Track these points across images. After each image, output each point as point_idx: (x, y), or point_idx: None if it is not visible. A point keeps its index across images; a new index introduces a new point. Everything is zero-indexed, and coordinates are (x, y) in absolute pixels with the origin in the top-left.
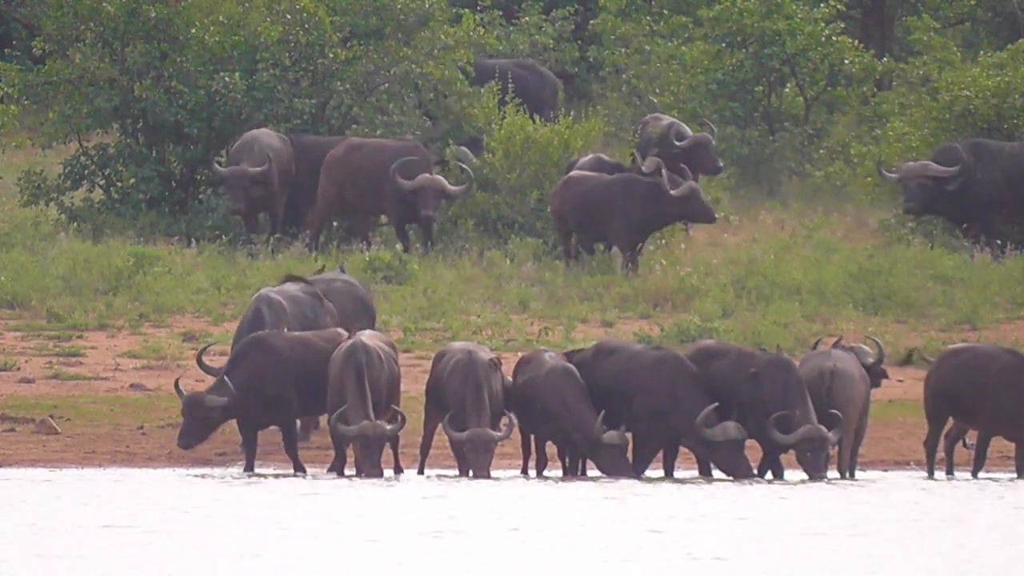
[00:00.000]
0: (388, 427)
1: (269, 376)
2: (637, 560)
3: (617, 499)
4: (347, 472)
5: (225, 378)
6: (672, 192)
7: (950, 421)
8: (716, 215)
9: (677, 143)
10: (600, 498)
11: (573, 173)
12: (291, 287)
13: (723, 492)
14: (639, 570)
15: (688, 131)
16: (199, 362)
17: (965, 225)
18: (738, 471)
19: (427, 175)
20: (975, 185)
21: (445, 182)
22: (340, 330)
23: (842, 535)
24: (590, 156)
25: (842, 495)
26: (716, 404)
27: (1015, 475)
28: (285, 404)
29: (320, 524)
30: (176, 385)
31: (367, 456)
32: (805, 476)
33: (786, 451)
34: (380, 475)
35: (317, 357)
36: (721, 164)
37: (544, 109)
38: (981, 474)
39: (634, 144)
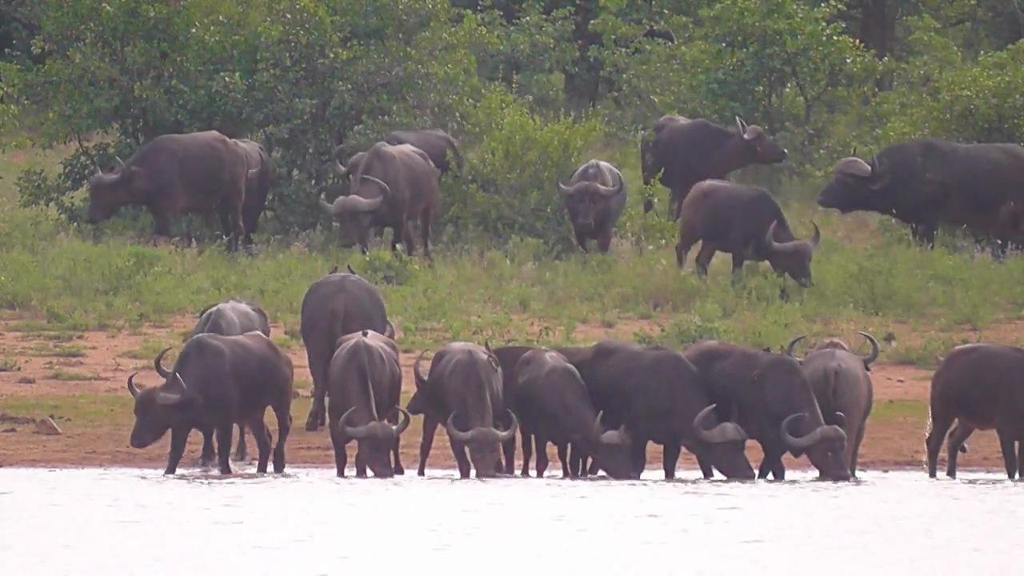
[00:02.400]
0: (393, 427)
1: (211, 377)
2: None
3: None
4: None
5: (177, 375)
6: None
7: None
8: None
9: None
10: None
11: (705, 184)
12: (240, 305)
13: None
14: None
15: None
16: (157, 367)
17: (913, 224)
18: (738, 472)
19: (342, 199)
20: (923, 185)
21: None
22: (259, 333)
23: (875, 536)
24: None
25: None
26: (714, 405)
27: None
28: (225, 406)
29: (318, 523)
30: (130, 383)
31: (377, 456)
32: (799, 477)
33: (799, 454)
34: (391, 474)
35: (255, 360)
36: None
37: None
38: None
39: (643, 141)
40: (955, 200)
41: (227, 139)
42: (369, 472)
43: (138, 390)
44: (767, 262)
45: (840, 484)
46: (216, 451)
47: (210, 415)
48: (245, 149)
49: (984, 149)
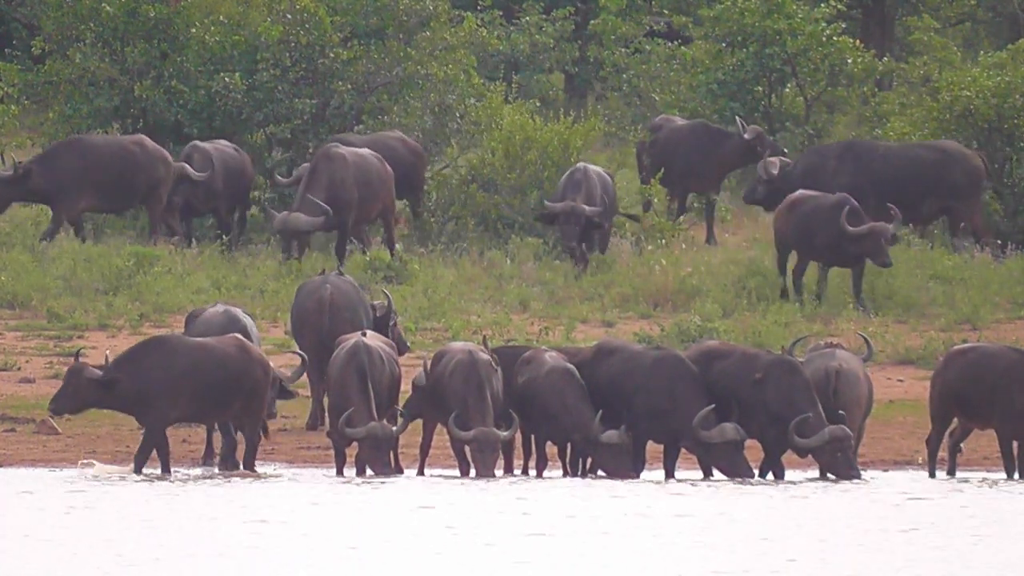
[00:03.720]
0: (393, 428)
1: (157, 376)
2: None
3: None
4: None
5: (107, 354)
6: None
7: (954, 421)
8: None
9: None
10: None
11: (797, 194)
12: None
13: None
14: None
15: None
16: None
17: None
18: (737, 472)
19: (283, 216)
20: (833, 187)
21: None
22: (235, 335)
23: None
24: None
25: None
26: (713, 406)
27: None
28: (165, 407)
29: (316, 523)
30: (77, 355)
31: (378, 456)
32: (799, 477)
33: (807, 455)
34: (392, 473)
35: (217, 363)
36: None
37: (413, 181)
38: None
39: (639, 142)
40: (872, 199)
41: (146, 143)
42: (369, 472)
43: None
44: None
45: (854, 483)
46: (220, 451)
47: (143, 410)
48: (163, 152)
49: (906, 148)
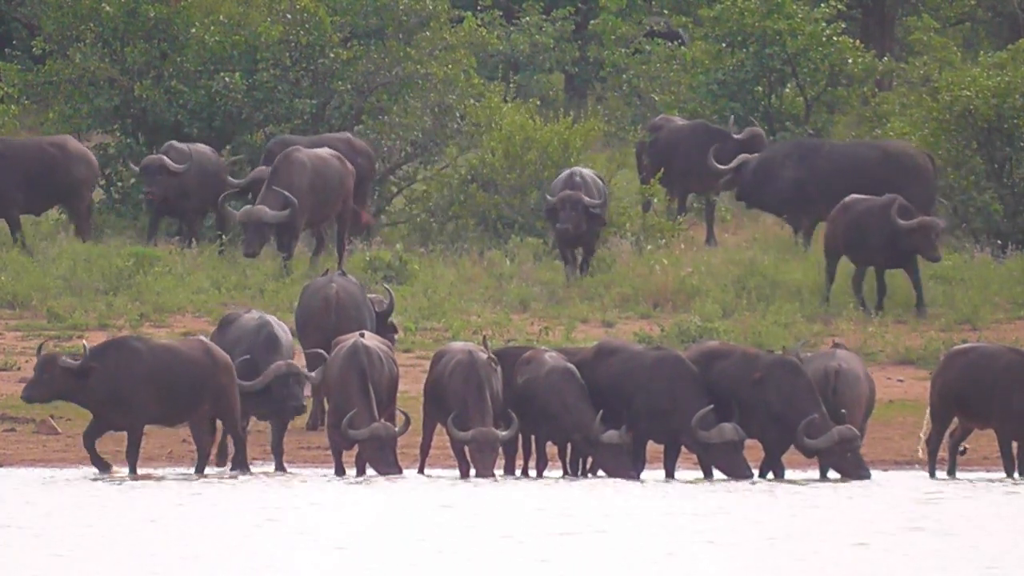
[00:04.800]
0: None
1: (122, 377)
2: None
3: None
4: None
5: (86, 343)
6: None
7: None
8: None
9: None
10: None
11: (849, 197)
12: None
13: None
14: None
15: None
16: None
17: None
18: (736, 472)
19: (248, 208)
20: (779, 182)
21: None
22: (203, 338)
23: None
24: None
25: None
26: (712, 406)
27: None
28: (134, 408)
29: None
30: (40, 348)
31: (382, 456)
32: (799, 476)
33: (814, 455)
34: (398, 472)
35: (180, 365)
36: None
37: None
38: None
39: (638, 142)
40: (815, 196)
41: (68, 144)
42: (371, 471)
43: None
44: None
45: (863, 483)
46: (232, 452)
47: (117, 415)
48: (86, 153)
49: (851, 146)
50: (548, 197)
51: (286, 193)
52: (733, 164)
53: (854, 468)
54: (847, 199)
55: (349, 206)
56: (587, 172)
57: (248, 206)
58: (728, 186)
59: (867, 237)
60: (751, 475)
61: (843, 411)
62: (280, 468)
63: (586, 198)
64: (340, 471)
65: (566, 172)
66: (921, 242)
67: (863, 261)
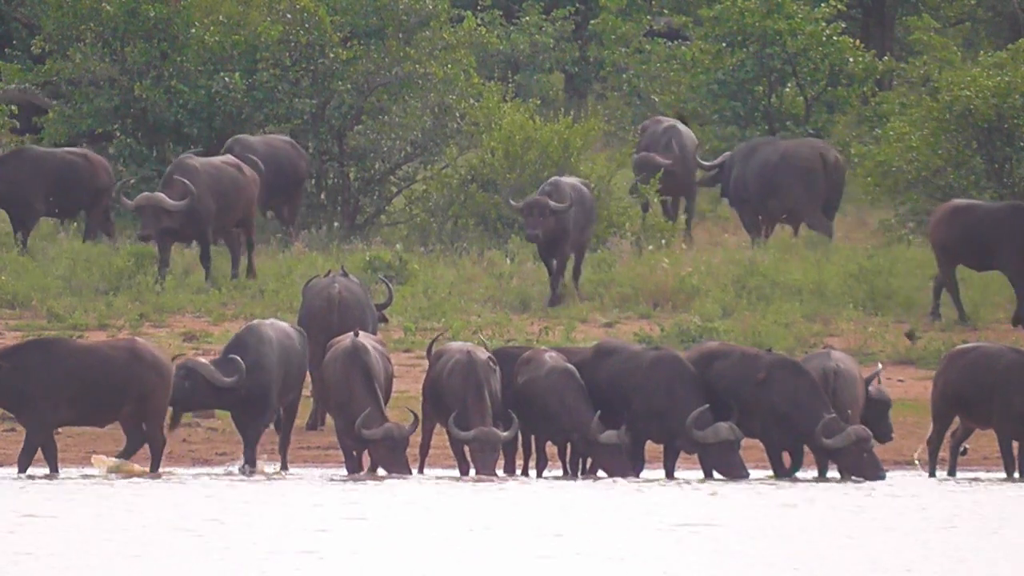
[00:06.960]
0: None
1: (36, 378)
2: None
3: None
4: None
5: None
6: None
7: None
8: None
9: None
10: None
11: (958, 202)
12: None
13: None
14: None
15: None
16: None
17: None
18: (731, 472)
19: (147, 194)
20: (729, 179)
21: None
22: (137, 338)
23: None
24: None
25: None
26: (707, 405)
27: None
28: (44, 408)
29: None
30: None
31: (395, 457)
32: (799, 476)
33: (832, 456)
34: (410, 472)
35: (100, 365)
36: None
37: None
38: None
39: (634, 143)
40: (752, 194)
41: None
42: (381, 471)
43: None
44: None
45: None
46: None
47: (24, 414)
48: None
49: (794, 144)
50: (512, 202)
51: (186, 181)
52: (717, 161)
53: (871, 469)
54: (958, 204)
55: (250, 215)
56: (565, 181)
57: (146, 192)
58: (710, 183)
59: (995, 250)
60: (747, 475)
61: (849, 411)
62: (284, 467)
63: (552, 202)
64: (353, 470)
65: (548, 181)
66: None
67: (978, 269)
